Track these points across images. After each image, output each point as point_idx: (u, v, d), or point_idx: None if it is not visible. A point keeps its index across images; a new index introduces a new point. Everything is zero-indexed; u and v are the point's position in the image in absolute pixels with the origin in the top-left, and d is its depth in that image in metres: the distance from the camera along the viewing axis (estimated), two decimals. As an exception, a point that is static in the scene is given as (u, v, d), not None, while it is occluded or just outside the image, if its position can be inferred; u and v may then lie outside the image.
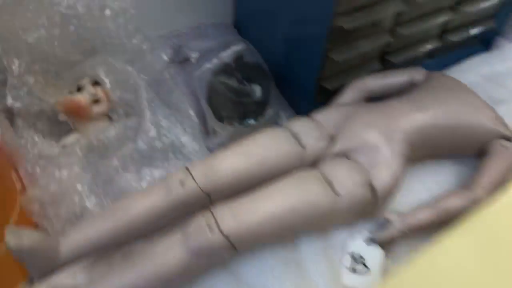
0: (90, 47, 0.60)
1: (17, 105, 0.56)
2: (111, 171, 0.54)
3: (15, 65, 0.57)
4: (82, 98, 0.56)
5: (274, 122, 0.64)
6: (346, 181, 0.47)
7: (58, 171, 0.49)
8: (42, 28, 0.52)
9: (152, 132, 0.56)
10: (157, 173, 0.56)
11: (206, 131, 0.64)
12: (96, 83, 0.58)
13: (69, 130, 0.61)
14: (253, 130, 0.60)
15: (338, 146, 0.51)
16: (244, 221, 0.43)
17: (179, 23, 0.75)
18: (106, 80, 0.57)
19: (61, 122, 0.60)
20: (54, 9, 0.51)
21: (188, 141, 0.58)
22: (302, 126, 0.52)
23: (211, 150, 0.60)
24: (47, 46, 0.54)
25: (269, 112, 0.61)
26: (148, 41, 0.60)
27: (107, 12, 0.54)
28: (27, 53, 0.57)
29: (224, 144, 0.60)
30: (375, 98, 0.66)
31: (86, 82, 0.57)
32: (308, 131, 0.52)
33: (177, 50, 0.73)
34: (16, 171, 0.51)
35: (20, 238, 0.39)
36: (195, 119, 0.64)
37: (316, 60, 0.56)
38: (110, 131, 0.56)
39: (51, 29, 0.53)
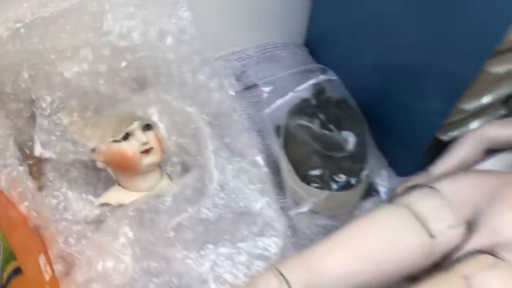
0: (141, 81, 0.47)
1: (48, 154, 0.43)
2: (165, 249, 0.41)
3: (46, 102, 0.44)
4: (130, 148, 0.43)
5: (370, 184, 0.50)
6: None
7: (102, 258, 0.36)
8: (85, 62, 0.39)
9: (220, 196, 0.43)
10: (224, 251, 0.43)
11: (281, 190, 0.51)
12: (147, 126, 0.45)
13: (109, 182, 0.48)
14: (349, 196, 0.46)
15: (483, 239, 0.37)
16: None
17: (241, 42, 0.61)
18: (161, 124, 0.44)
19: (100, 171, 0.48)
20: (102, 41, 0.38)
21: (263, 208, 0.44)
22: (429, 205, 0.38)
23: (292, 221, 0.46)
24: (89, 83, 0.41)
25: (367, 170, 0.47)
26: (217, 75, 0.46)
27: (168, 40, 0.41)
28: (62, 86, 0.44)
29: (309, 213, 0.47)
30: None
31: (136, 128, 0.44)
32: (437, 211, 0.38)
33: (239, 76, 0.60)
34: (46, 253, 0.38)
35: None
36: (265, 170, 0.51)
37: (443, 108, 0.42)
38: (167, 193, 0.42)
39: (96, 64, 0.40)
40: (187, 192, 0.44)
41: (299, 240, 0.48)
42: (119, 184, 0.46)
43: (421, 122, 0.46)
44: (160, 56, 0.42)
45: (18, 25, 0.42)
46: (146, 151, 0.44)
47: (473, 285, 0.34)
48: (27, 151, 0.46)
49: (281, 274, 0.34)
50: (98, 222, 0.45)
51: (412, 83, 0.46)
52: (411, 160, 0.50)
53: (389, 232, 0.36)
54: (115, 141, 0.43)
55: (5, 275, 0.29)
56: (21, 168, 0.39)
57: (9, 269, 0.30)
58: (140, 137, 0.43)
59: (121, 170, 0.45)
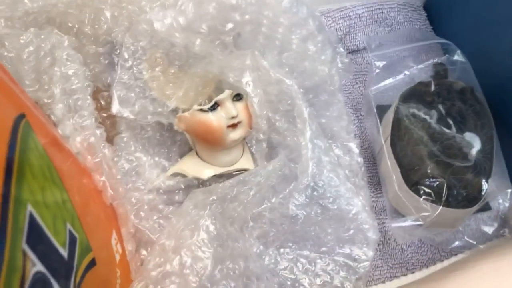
0: (236, 35, 0.39)
1: (126, 113, 0.38)
2: (243, 243, 0.36)
3: (129, 52, 0.38)
4: (217, 121, 0.37)
5: (487, 203, 0.42)
6: None
7: (178, 252, 0.32)
8: (183, 16, 0.32)
9: (312, 194, 0.37)
10: (306, 254, 0.38)
11: (373, 183, 0.44)
12: (237, 95, 0.39)
13: (184, 146, 0.43)
14: (465, 214, 0.39)
15: None
16: None
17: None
18: (255, 98, 0.38)
19: (176, 133, 0.43)
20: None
21: (359, 212, 0.38)
22: None
23: (395, 234, 0.40)
24: (182, 40, 0.34)
25: (489, 186, 0.39)
26: (330, 47, 0.38)
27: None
28: (148, 36, 0.37)
29: (408, 227, 0.40)
30: None
31: (226, 98, 0.37)
32: None
33: (342, 37, 0.51)
34: (118, 230, 0.34)
35: None
36: (359, 160, 0.44)
37: None
38: (250, 181, 0.37)
39: (196, 22, 0.32)
40: (273, 179, 0.39)
41: (389, 249, 0.42)
42: (197, 154, 0.41)
43: None
44: (269, 14, 0.34)
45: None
46: (234, 126, 0.38)
47: None
48: (103, 102, 0.42)
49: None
50: (171, 192, 0.41)
51: None
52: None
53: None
54: (202, 110, 0.37)
55: (79, 272, 0.25)
56: (98, 133, 0.34)
57: (85, 264, 0.26)
58: (230, 110, 0.37)
59: (203, 142, 0.40)
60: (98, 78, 0.42)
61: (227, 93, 0.37)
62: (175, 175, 0.41)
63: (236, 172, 0.40)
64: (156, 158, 0.42)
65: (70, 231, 0.25)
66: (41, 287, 0.21)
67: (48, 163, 0.24)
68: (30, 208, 0.20)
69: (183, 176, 0.41)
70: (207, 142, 0.39)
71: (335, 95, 0.41)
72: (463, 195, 0.37)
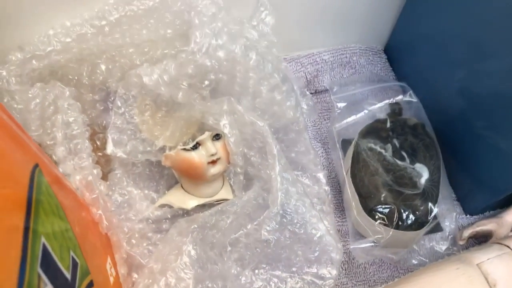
0: (215, 86, 0.46)
1: (119, 153, 0.44)
2: (222, 265, 0.41)
3: (122, 98, 0.44)
4: (198, 158, 0.43)
5: (437, 225, 0.48)
6: None
7: (164, 274, 0.37)
8: (167, 74, 0.38)
9: (281, 220, 0.43)
10: (278, 274, 0.43)
11: (340, 210, 0.50)
12: (216, 135, 0.45)
13: (171, 179, 0.49)
14: (415, 236, 0.44)
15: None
16: None
17: (317, 44, 0.58)
18: (231, 138, 0.44)
19: (163, 168, 0.48)
20: (189, 59, 0.37)
21: (323, 235, 0.43)
22: (502, 269, 0.36)
23: (355, 254, 0.46)
24: (167, 93, 0.40)
25: (436, 210, 0.44)
26: (294, 95, 0.44)
27: (253, 56, 0.39)
28: (137, 86, 0.43)
29: (367, 248, 0.46)
30: None
31: (206, 138, 0.43)
32: (510, 279, 0.36)
33: (311, 80, 0.57)
34: (112, 256, 0.39)
35: None
36: (326, 188, 0.50)
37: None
38: (230, 209, 0.42)
39: (178, 80, 0.39)
40: (248, 207, 0.44)
41: (353, 268, 0.47)
42: (182, 187, 0.47)
43: (508, 165, 0.43)
44: (241, 70, 0.41)
45: (103, 22, 0.42)
46: (214, 162, 0.44)
47: None
48: (98, 143, 0.47)
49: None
50: (159, 221, 0.46)
51: (504, 117, 0.42)
52: (485, 201, 0.47)
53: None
54: (185, 149, 0.43)
55: (79, 293, 0.30)
56: (95, 172, 0.39)
57: (84, 285, 0.31)
58: (210, 148, 0.43)
59: (187, 177, 0.45)
60: (94, 122, 0.48)
61: (207, 134, 0.43)
62: (162, 206, 0.46)
63: (217, 202, 0.46)
64: (146, 191, 0.48)
65: (72, 257, 0.30)
66: (51, 303, 0.26)
67: (56, 201, 0.30)
68: (43, 239, 0.26)
69: (170, 206, 0.46)
70: (190, 176, 0.45)
71: (301, 133, 0.47)
72: (412, 219, 0.43)
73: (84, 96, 0.46)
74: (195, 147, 0.43)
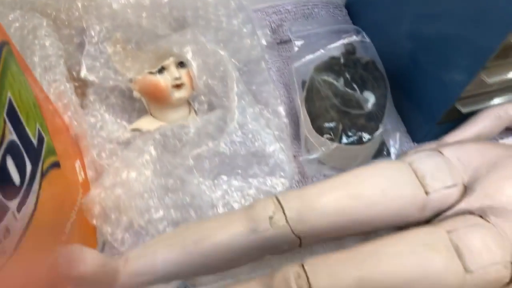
0: (181, 20, 0.50)
1: (92, 77, 0.48)
2: (183, 173, 0.45)
3: (95, 31, 0.49)
4: (163, 81, 0.48)
5: (382, 144, 0.52)
6: (481, 254, 0.35)
7: (127, 169, 0.41)
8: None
9: (238, 135, 0.47)
10: (235, 183, 0.47)
11: (298, 140, 0.54)
12: (181, 63, 0.49)
13: (142, 112, 0.53)
14: (358, 151, 0.49)
15: (475, 201, 0.39)
16: (340, 286, 0.34)
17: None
18: (194, 63, 0.48)
19: (135, 101, 0.53)
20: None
21: (276, 151, 0.48)
22: (429, 164, 0.40)
23: (302, 166, 0.50)
24: (133, 15, 0.45)
25: (381, 130, 0.49)
26: (251, 23, 0.49)
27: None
28: (110, 18, 0.48)
29: (318, 163, 0.50)
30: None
31: (170, 63, 0.48)
32: (437, 172, 0.40)
33: (275, 29, 0.62)
34: (81, 160, 0.44)
35: (84, 262, 0.32)
36: (285, 120, 0.54)
37: (463, 78, 0.43)
38: (191, 125, 0.47)
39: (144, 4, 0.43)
40: (210, 127, 0.48)
41: (305, 182, 0.51)
42: (151, 114, 0.51)
43: (441, 90, 0.47)
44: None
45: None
46: (178, 86, 0.48)
47: (454, 238, 0.36)
48: (74, 74, 0.52)
49: (279, 201, 0.38)
50: (128, 143, 0.50)
51: (439, 52, 0.47)
52: (428, 127, 0.52)
53: (384, 180, 0.39)
54: (151, 72, 0.47)
55: (45, 165, 0.34)
56: (67, 84, 0.44)
57: (49, 161, 0.35)
58: (174, 72, 0.48)
59: (153, 100, 0.50)
60: (71, 56, 0.52)
61: (171, 59, 0.48)
62: (132, 130, 0.51)
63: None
64: (118, 120, 0.52)
65: (39, 130, 0.34)
66: (15, 151, 0.30)
67: (25, 80, 0.34)
68: (9, 94, 0.30)
69: (139, 131, 0.51)
70: (156, 100, 0.49)
71: (260, 64, 0.51)
72: (357, 135, 0.47)
73: (61, 30, 0.51)
74: (160, 71, 0.48)
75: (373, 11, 0.62)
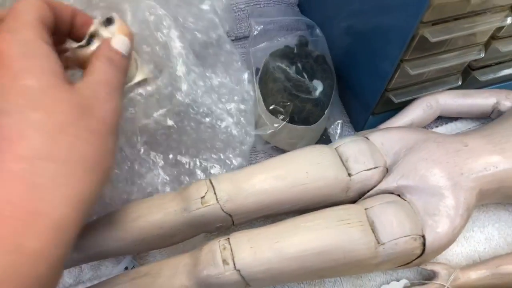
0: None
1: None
2: (130, 151, 0.47)
3: None
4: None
5: (325, 131, 0.56)
6: (393, 228, 0.39)
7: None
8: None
9: (186, 107, 0.45)
10: (184, 161, 0.49)
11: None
12: (108, 20, 0.37)
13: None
14: (304, 132, 0.52)
15: (392, 181, 0.43)
16: (262, 257, 0.37)
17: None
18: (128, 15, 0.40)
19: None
20: None
21: (229, 125, 0.47)
22: (353, 148, 0.44)
23: (255, 142, 0.52)
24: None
25: (325, 116, 0.53)
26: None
27: None
28: None
29: (266, 139, 0.53)
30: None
31: (97, 27, 0.37)
32: (360, 156, 0.43)
33: (231, 27, 0.65)
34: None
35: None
36: (247, 89, 0.55)
37: (387, 69, 0.47)
38: (141, 89, 0.42)
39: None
40: (157, 95, 0.43)
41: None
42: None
43: (372, 81, 0.51)
44: None
45: None
46: None
47: (370, 214, 0.40)
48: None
49: (211, 183, 0.41)
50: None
51: (368, 45, 0.51)
52: (365, 117, 0.55)
53: (309, 163, 0.42)
54: (80, 47, 0.36)
55: None
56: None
57: None
58: (105, 36, 0.36)
59: None
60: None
61: (95, 22, 0.36)
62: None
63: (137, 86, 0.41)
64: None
65: None
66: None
67: None
68: None
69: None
70: None
71: (217, 29, 0.50)
72: (303, 117, 0.50)
73: None
74: (89, 42, 0.36)
75: (321, 8, 0.66)
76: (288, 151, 0.46)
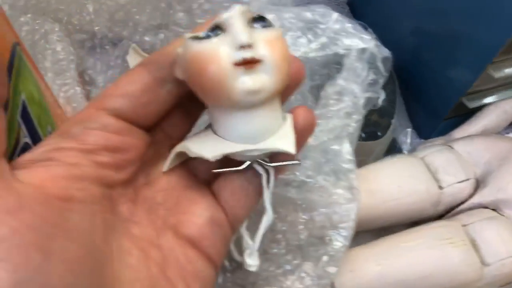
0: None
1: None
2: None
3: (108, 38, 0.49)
4: (214, 50, 0.19)
5: (394, 141, 0.52)
6: (498, 247, 0.35)
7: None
8: None
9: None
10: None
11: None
12: (260, 18, 0.20)
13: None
14: (373, 147, 0.49)
15: (489, 195, 0.39)
16: (363, 283, 0.33)
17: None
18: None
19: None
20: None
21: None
22: (441, 158, 0.41)
23: None
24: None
25: (393, 125, 0.49)
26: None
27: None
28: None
29: None
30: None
31: (235, 16, 0.19)
32: (449, 167, 0.40)
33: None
34: None
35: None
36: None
37: (469, 74, 0.43)
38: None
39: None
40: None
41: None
42: (211, 128, 0.22)
43: (448, 86, 0.48)
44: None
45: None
46: (248, 64, 0.18)
47: (469, 231, 0.36)
48: (86, 78, 0.52)
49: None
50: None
51: (445, 48, 0.47)
52: (434, 123, 0.52)
53: (399, 176, 0.39)
54: (196, 37, 0.19)
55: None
56: (77, 88, 0.44)
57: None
58: (238, 33, 0.18)
59: (204, 97, 0.20)
60: (83, 61, 0.52)
61: (237, 9, 0.19)
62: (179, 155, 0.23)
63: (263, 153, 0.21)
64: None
65: (50, 132, 0.34)
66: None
67: (36, 82, 0.34)
68: (23, 97, 0.30)
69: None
70: (204, 93, 0.20)
71: None
72: (370, 131, 0.47)
73: (72, 35, 0.51)
74: (210, 35, 0.19)
75: (376, 8, 0.62)
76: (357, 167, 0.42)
